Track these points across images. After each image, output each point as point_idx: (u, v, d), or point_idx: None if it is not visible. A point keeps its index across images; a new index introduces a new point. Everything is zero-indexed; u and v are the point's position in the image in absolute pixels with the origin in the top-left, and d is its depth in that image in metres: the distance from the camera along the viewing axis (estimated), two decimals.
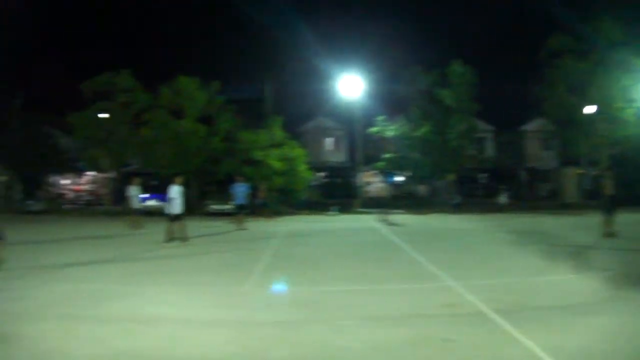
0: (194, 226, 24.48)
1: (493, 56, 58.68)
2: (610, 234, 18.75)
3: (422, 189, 44.45)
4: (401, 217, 31.36)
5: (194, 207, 32.51)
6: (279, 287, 11.22)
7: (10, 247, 13.59)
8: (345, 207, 36.85)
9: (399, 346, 7.08)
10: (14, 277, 12.25)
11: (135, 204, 24.96)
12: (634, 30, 35.25)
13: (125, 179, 28.70)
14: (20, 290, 10.77)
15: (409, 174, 43.63)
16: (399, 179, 47.58)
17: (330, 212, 34.55)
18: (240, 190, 25.16)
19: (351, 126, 44.19)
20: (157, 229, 20.72)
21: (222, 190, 36.23)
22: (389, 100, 40.66)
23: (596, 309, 8.93)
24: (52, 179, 49.91)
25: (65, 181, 51.99)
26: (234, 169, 34.81)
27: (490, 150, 50.88)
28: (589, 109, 38.35)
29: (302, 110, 47.36)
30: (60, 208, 41.54)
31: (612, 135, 38.54)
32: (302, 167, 36.81)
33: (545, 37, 38.54)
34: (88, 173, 49.53)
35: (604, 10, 36.76)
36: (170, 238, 18.76)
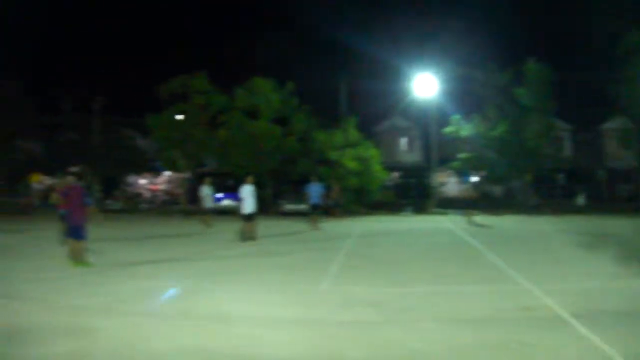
0: (269, 225, 24.77)
1: (571, 53, 57.39)
2: None
3: (497, 190, 43.82)
4: (478, 219, 31.04)
5: (268, 207, 32.79)
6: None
7: (89, 245, 13.94)
8: (419, 207, 36.63)
9: (476, 349, 7.00)
10: (93, 273, 12.64)
11: (208, 203, 25.24)
12: None
13: (200, 179, 29.18)
14: (98, 286, 11.14)
15: (484, 174, 43.05)
16: (474, 179, 47.05)
17: (404, 213, 34.38)
18: (314, 190, 25.19)
19: (426, 126, 43.90)
20: (230, 228, 20.92)
21: (296, 190, 36.51)
22: (464, 99, 40.24)
23: None
24: (130, 179, 51.11)
25: (142, 181, 53.22)
26: (308, 169, 35.03)
27: (568, 149, 49.82)
28: None
29: (376, 110, 47.27)
30: (137, 207, 42.46)
31: None
32: (377, 167, 36.76)
33: (624, 33, 37.51)
34: (164, 173, 50.55)
35: None
36: (244, 237, 18.97)
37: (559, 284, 11.07)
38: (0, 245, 18.90)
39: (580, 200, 29.98)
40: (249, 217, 19.03)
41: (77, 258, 13.15)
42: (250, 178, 19.34)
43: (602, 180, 48.58)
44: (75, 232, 13.17)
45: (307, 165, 35.94)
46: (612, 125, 48.90)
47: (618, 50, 37.11)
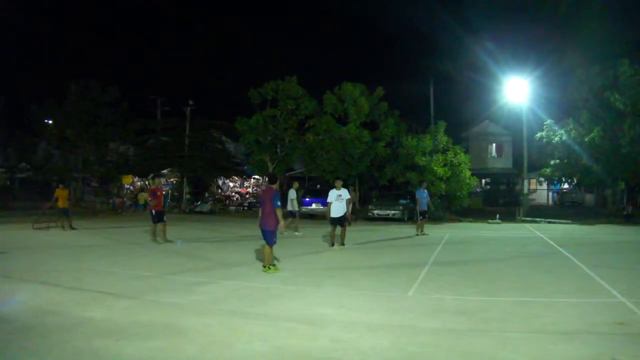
0: (357, 230, 25.08)
1: None
2: None
3: (589, 198, 43.13)
4: (568, 227, 30.67)
5: (357, 212, 33.16)
6: None
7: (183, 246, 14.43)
8: (508, 215, 36.36)
9: None
10: (185, 271, 13.44)
11: (295, 206, 25.63)
12: None
13: (288, 183, 29.64)
14: (191, 286, 11.82)
15: (576, 181, 42.41)
16: (566, 187, 46.42)
17: (493, 220, 34.24)
18: (423, 196, 25.49)
19: (516, 131, 43.51)
20: (318, 232, 21.21)
21: (384, 195, 36.81)
22: (556, 105, 39.76)
23: None
24: (220, 182, 52.29)
25: (231, 184, 54.41)
26: (397, 174, 35.34)
27: None
28: None
29: (466, 115, 47.19)
30: (225, 210, 43.42)
31: None
32: (467, 173, 36.63)
33: None
34: (253, 177, 51.57)
35: None
36: (332, 242, 19.27)
37: None
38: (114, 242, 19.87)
39: None
40: (337, 222, 19.26)
41: (268, 262, 13.65)
42: (338, 182, 19.56)
43: None
44: (267, 237, 13.48)
45: (396, 171, 36.26)
46: None
47: None
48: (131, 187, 49.19)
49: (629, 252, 19.99)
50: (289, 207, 25.16)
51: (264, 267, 13.56)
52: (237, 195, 52.68)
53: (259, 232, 13.71)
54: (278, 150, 39.35)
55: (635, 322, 8.94)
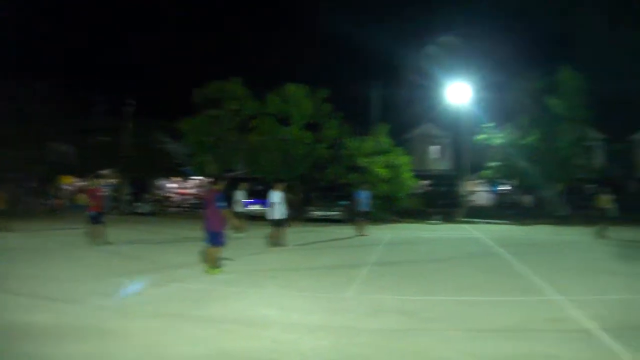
0: (298, 232, 25.14)
1: (605, 62, 57.34)
2: None
3: (527, 199, 43.90)
4: (507, 228, 31.22)
5: (298, 213, 33.22)
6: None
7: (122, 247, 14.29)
8: (448, 216, 36.83)
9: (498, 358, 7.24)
10: (126, 273, 13.20)
11: (240, 207, 25.53)
12: None
13: (230, 184, 29.36)
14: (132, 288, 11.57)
15: (515, 183, 43.19)
16: (504, 188, 47.15)
17: (432, 221, 34.63)
18: (363, 197, 25.65)
19: (457, 134, 44.10)
20: (260, 234, 21.23)
21: (325, 196, 36.93)
22: (496, 108, 40.39)
23: None
24: (160, 182, 51.81)
25: (172, 185, 53.93)
26: (338, 175, 35.50)
27: (600, 159, 49.82)
28: None
29: (408, 117, 47.57)
30: (166, 211, 43.07)
31: None
32: (407, 175, 36.98)
33: None
34: (194, 177, 51.21)
35: None
36: (274, 243, 19.30)
37: (588, 295, 11.28)
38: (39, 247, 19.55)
39: (612, 211, 29.90)
40: (278, 223, 19.35)
41: (212, 264, 13.43)
42: (280, 185, 19.64)
43: (633, 190, 48.51)
44: (212, 239, 13.27)
45: (337, 172, 36.38)
46: None
47: None
48: (70, 188, 48.41)
49: (565, 251, 20.52)
50: (237, 209, 25.05)
51: (207, 268, 13.38)
52: (177, 196, 52.23)
53: (201, 234, 13.60)
54: (221, 151, 39.02)
55: (568, 319, 9.24)
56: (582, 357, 7.29)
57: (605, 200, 25.87)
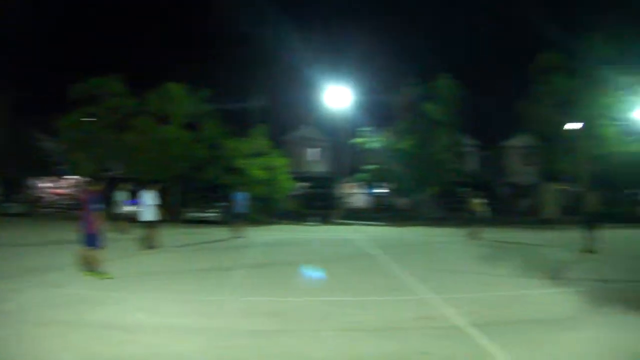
0: (173, 234, 24.86)
1: (480, 71, 59.52)
2: (589, 250, 19.43)
3: (403, 202, 44.91)
4: (382, 229, 31.84)
5: (175, 214, 32.87)
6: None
7: None
8: (326, 217, 37.20)
9: (375, 358, 7.39)
10: None
11: (121, 208, 25.11)
12: (624, 49, 36.27)
13: (110, 185, 28.61)
14: (1, 293, 11.07)
15: (391, 186, 44.10)
16: (381, 191, 48.02)
17: (310, 223, 34.91)
18: (240, 199, 25.57)
19: (336, 137, 44.58)
20: (138, 235, 20.86)
21: (203, 198, 36.63)
22: (374, 112, 41.11)
23: (572, 323, 9.37)
24: (33, 181, 50.07)
25: (46, 184, 52.15)
26: (216, 176, 35.30)
27: (473, 164, 51.56)
28: (573, 126, 39.17)
29: (287, 120, 47.73)
30: (39, 211, 41.71)
31: (593, 152, 39.38)
32: (284, 177, 37.15)
33: (532, 54, 39.44)
34: (70, 177, 49.68)
35: (595, 28, 37.69)
36: (146, 245, 18.99)
37: (459, 294, 11.82)
38: None
39: (482, 212, 30.97)
40: (150, 225, 19.06)
41: (91, 267, 12.93)
42: (154, 185, 19.45)
43: (504, 194, 50.44)
44: (88, 241, 12.76)
45: (216, 173, 36.14)
46: (515, 142, 51.15)
47: (530, 69, 38.92)
48: None
49: (435, 252, 21.41)
50: (117, 210, 24.59)
51: (85, 272, 12.96)
52: (51, 196, 50.62)
53: (72, 236, 13.24)
54: (97, 149, 37.94)
55: (439, 316, 9.65)
56: (452, 353, 7.63)
57: (477, 204, 26.82)
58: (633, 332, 8.83)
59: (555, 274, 14.76)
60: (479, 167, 52.18)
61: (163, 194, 19.92)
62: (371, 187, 47.11)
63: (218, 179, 36.09)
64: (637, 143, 39.09)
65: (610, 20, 37.09)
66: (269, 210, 36.43)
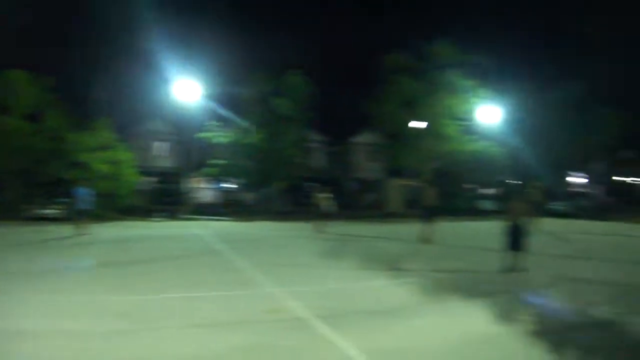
0: (11, 232, 23.97)
1: (330, 69, 60.55)
2: (427, 242, 20.41)
3: (251, 197, 45.10)
4: (229, 224, 31.92)
5: (14, 211, 31.57)
6: None
7: None
8: (173, 213, 36.82)
9: (223, 353, 7.53)
10: None
11: None
12: (467, 55, 38.48)
13: None
14: None
15: (239, 181, 44.22)
16: (229, 185, 47.97)
17: (156, 219, 34.46)
18: (83, 195, 24.79)
19: (184, 131, 44.13)
20: None
21: (46, 193, 35.19)
22: (223, 106, 40.89)
23: (410, 311, 10.02)
24: None
25: None
26: (59, 171, 34.03)
27: (321, 160, 52.44)
28: (417, 124, 40.81)
29: (134, 113, 46.65)
30: None
31: (436, 150, 41.31)
32: (130, 171, 36.34)
33: (381, 54, 40.79)
34: None
35: (441, 33, 39.82)
36: None
37: (304, 286, 12.31)
38: None
39: (330, 208, 31.65)
40: None
41: None
42: None
43: (350, 189, 51.63)
44: None
45: (59, 167, 34.78)
46: (362, 139, 52.54)
47: (378, 69, 40.31)
48: None
49: (281, 246, 21.81)
50: None
51: None
52: None
53: None
54: None
55: (285, 309, 10.00)
56: (298, 344, 7.94)
57: (324, 198, 27.46)
58: (464, 317, 9.71)
59: (394, 265, 15.82)
60: (326, 163, 53.21)
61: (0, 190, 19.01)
62: (219, 182, 47.10)
63: (61, 174, 34.70)
64: (477, 142, 41.37)
65: (455, 27, 39.23)
66: (114, 206, 35.45)
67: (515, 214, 14.72)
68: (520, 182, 48.11)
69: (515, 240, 14.48)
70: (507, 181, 52.86)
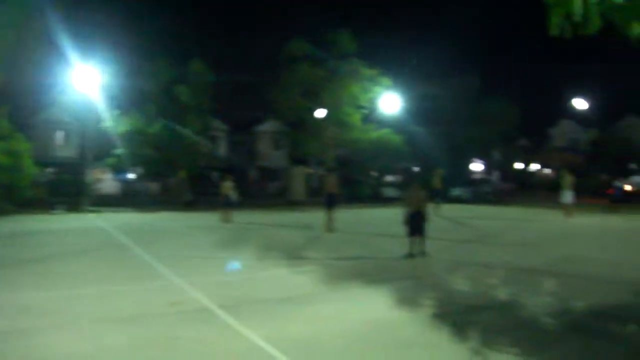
0: None
1: (232, 57, 60.52)
2: (330, 229, 20.77)
3: (154, 187, 44.71)
4: (132, 216, 31.57)
5: None
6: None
7: None
8: (74, 205, 36.00)
9: (126, 347, 7.44)
10: None
11: None
12: (365, 44, 39.32)
13: None
14: None
15: (142, 171, 43.74)
16: (132, 176, 47.39)
17: (56, 211, 33.69)
18: None
19: (83, 120, 43.16)
20: None
21: None
22: (125, 95, 40.21)
23: (315, 299, 10.29)
24: None
25: None
26: None
27: (224, 148, 52.45)
28: (320, 113, 41.26)
29: (32, 102, 45.46)
30: None
31: (339, 138, 41.88)
32: (28, 162, 35.34)
33: (284, 42, 41.11)
34: None
35: (340, 23, 40.53)
36: None
37: (207, 277, 12.40)
38: None
39: (234, 196, 31.67)
40: None
41: None
42: None
43: (254, 177, 51.87)
44: None
45: None
46: (265, 127, 52.81)
47: (280, 57, 40.67)
48: None
49: (184, 236, 21.86)
50: None
51: None
52: None
53: None
54: None
55: (188, 300, 10.05)
56: (203, 335, 7.96)
57: (228, 187, 27.44)
58: (367, 304, 10.00)
59: (298, 253, 16.27)
60: (230, 152, 53.20)
61: None
62: (122, 172, 46.35)
63: None
64: (379, 130, 42.24)
65: (356, 17, 40.01)
66: (12, 198, 34.40)
67: (414, 201, 15.18)
68: (421, 170, 49.46)
69: (416, 226, 14.95)
70: (408, 168, 54.17)
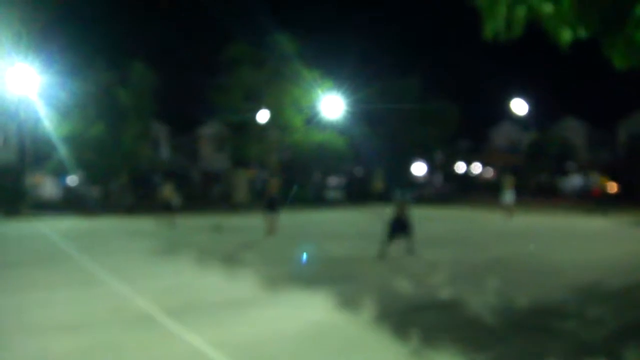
0: None
1: (173, 60, 60.31)
2: (272, 233, 21.02)
3: (95, 192, 44.30)
4: (71, 222, 31.26)
5: None
6: None
7: None
8: (11, 211, 35.42)
9: (69, 354, 7.37)
10: None
11: None
12: (307, 47, 39.63)
13: None
14: None
15: (82, 175, 43.34)
16: (72, 180, 46.89)
17: None
18: None
19: (20, 123, 42.49)
20: None
21: None
22: (65, 97, 39.74)
23: (257, 303, 10.32)
24: None
25: None
26: None
27: (166, 152, 52.25)
28: (262, 116, 41.49)
29: None
30: None
31: (282, 141, 42.18)
32: None
33: (225, 44, 41.23)
34: None
35: (281, 26, 40.80)
36: None
37: (149, 283, 12.38)
38: None
39: (176, 200, 31.58)
40: None
41: None
42: None
43: (197, 181, 51.81)
44: None
45: None
46: (207, 130, 52.81)
47: (222, 58, 40.81)
48: None
49: (125, 241, 21.73)
50: None
51: None
52: None
53: None
54: None
55: (131, 307, 10.00)
56: (146, 341, 7.91)
57: (170, 191, 27.45)
58: (308, 307, 10.07)
59: (239, 257, 16.22)
60: (172, 154, 53.02)
61: None
62: (61, 176, 45.81)
63: None
64: (323, 133, 42.63)
65: (298, 20, 40.46)
66: None
67: (399, 209, 15.85)
68: (364, 172, 50.02)
69: (399, 230, 15.52)
70: (351, 171, 54.71)
